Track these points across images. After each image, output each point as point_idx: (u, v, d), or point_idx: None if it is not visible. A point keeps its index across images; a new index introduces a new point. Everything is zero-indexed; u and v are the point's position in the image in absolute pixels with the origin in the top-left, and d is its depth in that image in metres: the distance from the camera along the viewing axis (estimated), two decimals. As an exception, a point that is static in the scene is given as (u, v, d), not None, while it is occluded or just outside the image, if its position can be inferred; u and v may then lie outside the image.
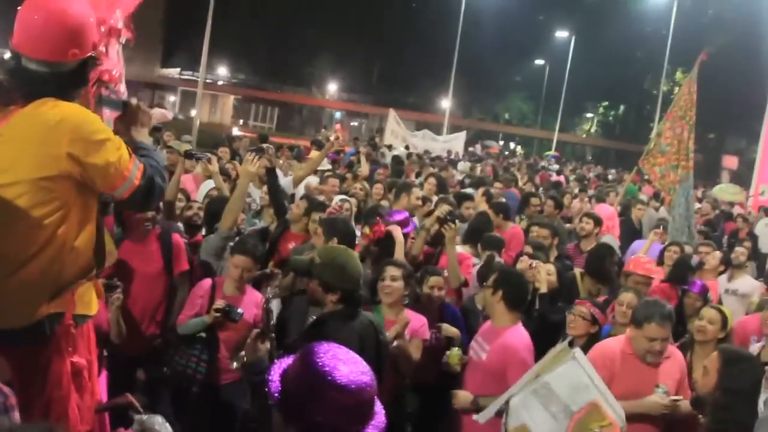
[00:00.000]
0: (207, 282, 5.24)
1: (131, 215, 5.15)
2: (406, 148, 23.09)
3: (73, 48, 2.81)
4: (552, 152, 43.68)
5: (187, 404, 5.02)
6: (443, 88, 45.12)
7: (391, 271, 4.89)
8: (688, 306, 6.28)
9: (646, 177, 16.15)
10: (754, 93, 25.88)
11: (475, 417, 4.25)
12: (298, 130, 55.78)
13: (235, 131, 33.19)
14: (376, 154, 18.39)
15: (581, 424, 3.63)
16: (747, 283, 8.14)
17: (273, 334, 3.35)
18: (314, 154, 9.92)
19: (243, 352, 3.19)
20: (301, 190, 8.70)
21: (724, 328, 5.33)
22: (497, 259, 6.62)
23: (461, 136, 28.91)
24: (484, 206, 8.95)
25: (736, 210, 17.62)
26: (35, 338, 2.81)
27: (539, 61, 60.72)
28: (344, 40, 56.73)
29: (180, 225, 6.24)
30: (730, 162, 41.70)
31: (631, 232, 10.76)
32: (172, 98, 57.13)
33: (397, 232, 5.83)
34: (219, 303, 4.95)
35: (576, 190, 15.20)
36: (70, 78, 2.86)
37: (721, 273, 8.12)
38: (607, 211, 10.85)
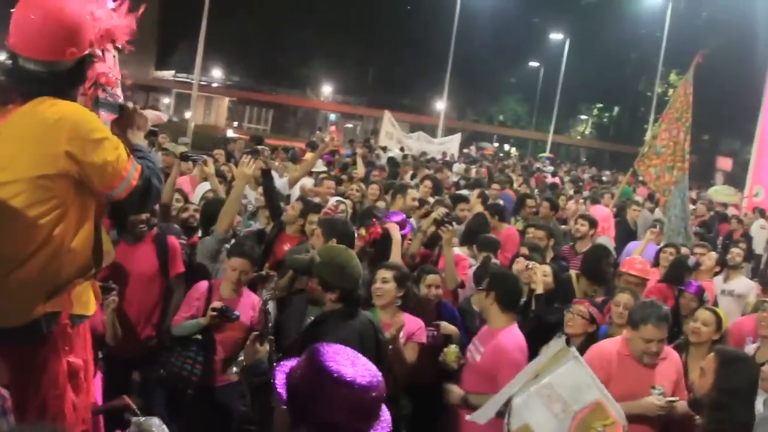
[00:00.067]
0: (204, 284, 5.23)
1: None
2: (401, 149, 23.08)
3: (71, 47, 2.80)
4: (546, 154, 43.75)
5: (183, 406, 5.01)
6: (438, 90, 45.12)
7: (382, 273, 4.90)
8: (683, 306, 6.30)
9: (640, 178, 16.18)
10: (747, 94, 25.92)
11: (468, 417, 4.25)
12: (292, 132, 55.79)
13: (230, 133, 33.15)
14: (371, 156, 18.39)
15: (584, 424, 3.63)
16: (743, 283, 8.16)
17: (272, 336, 3.34)
18: (309, 155, 9.93)
19: (242, 357, 3.18)
20: (296, 192, 8.70)
21: (718, 330, 5.34)
22: (493, 260, 6.62)
23: (456, 138, 28.89)
24: (479, 208, 8.97)
25: (731, 211, 17.67)
26: (32, 337, 2.80)
27: (534, 63, 60.84)
28: (339, 42, 56.72)
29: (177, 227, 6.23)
30: (724, 163, 41.83)
31: (626, 234, 10.79)
32: (166, 100, 57.09)
33: (395, 230, 5.82)
34: (216, 304, 4.94)
35: (571, 192, 15.22)
36: (68, 77, 2.85)
37: (716, 274, 8.15)
38: (603, 212, 10.88)
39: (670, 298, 6.57)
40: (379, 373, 2.09)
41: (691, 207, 13.71)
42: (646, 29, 50.14)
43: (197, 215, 6.48)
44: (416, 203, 8.10)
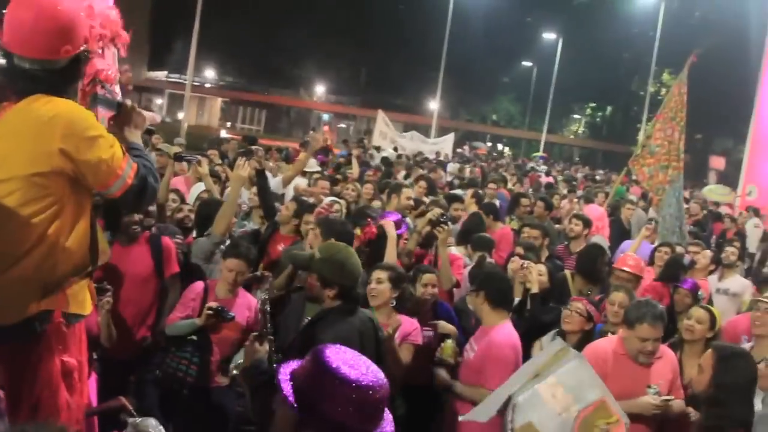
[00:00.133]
0: (199, 284, 5.21)
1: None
2: (395, 149, 23.10)
3: (65, 44, 2.78)
4: (540, 153, 43.81)
5: (178, 407, 4.98)
6: (431, 90, 45.18)
7: (377, 274, 4.88)
8: (678, 302, 6.30)
9: (634, 177, 16.20)
10: (740, 94, 26.02)
11: (461, 417, 4.26)
12: (285, 132, 55.72)
13: (223, 134, 33.10)
14: (364, 156, 18.38)
15: (587, 422, 3.63)
16: (738, 282, 8.17)
17: (271, 336, 3.33)
18: (302, 155, 9.91)
19: (241, 359, 3.17)
20: (290, 192, 8.68)
21: (712, 328, 5.34)
22: (488, 259, 6.62)
23: (450, 138, 28.91)
24: (473, 207, 8.97)
25: (724, 210, 17.71)
26: (25, 335, 2.79)
27: (527, 63, 60.89)
28: (332, 42, 56.66)
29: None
30: (718, 162, 41.84)
31: (620, 233, 10.79)
32: (159, 101, 56.97)
33: (390, 227, 5.81)
34: (212, 303, 4.92)
35: (565, 191, 15.22)
36: (63, 74, 2.83)
37: (711, 272, 8.16)
38: (597, 211, 10.87)
39: (666, 296, 6.58)
40: (383, 373, 2.09)
41: (685, 206, 13.75)
42: (638, 29, 50.29)
43: (192, 215, 6.45)
44: (411, 203, 8.09)
